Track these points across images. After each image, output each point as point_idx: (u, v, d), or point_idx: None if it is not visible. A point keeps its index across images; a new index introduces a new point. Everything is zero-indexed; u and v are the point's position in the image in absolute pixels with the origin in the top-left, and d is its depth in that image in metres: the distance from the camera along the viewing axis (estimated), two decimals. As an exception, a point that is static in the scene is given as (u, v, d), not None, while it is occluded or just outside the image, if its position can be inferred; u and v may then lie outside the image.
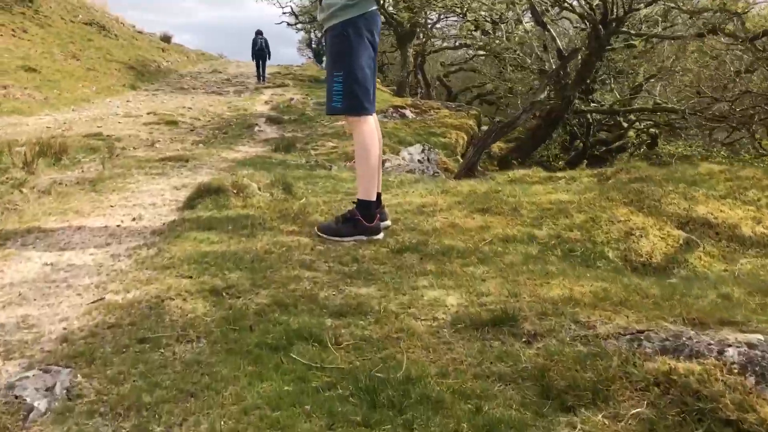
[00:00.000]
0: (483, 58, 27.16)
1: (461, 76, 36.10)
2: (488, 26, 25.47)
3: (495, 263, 2.82)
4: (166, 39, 28.99)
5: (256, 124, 8.98)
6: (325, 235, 3.21)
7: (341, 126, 9.02)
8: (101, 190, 4.52)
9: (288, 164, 6.03)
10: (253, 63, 19.56)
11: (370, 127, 3.24)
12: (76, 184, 4.71)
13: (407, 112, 11.03)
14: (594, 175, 5.48)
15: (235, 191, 3.86)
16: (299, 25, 38.55)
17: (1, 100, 8.87)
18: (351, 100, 3.16)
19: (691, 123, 12.41)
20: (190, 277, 2.55)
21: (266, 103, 13.23)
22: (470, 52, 29.84)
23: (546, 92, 10.43)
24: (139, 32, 27.01)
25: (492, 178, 5.99)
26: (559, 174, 5.92)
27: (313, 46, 41.78)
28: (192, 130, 8.56)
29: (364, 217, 3.21)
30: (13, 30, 15.69)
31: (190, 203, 3.88)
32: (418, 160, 7.58)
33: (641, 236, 3.46)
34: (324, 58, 37.25)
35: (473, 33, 28.60)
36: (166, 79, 18.20)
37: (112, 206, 4.04)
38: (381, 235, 3.26)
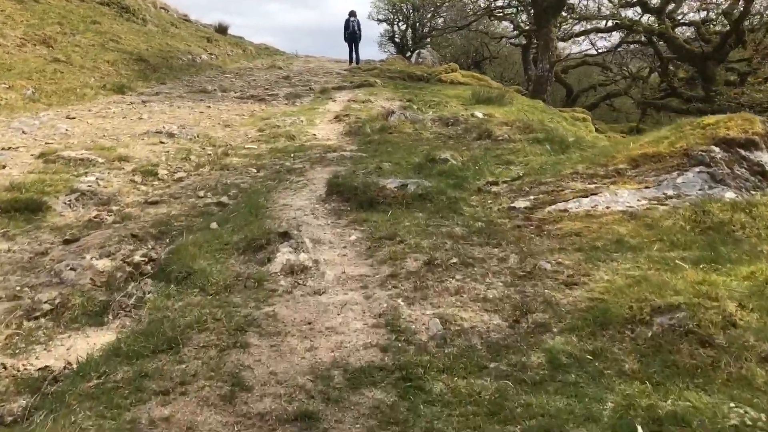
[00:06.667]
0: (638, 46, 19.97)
1: (578, 73, 29.18)
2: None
3: None
4: (222, 30, 23.56)
5: (295, 218, 2.57)
6: None
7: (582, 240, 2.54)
8: None
9: None
10: (346, 47, 18.00)
11: None
12: None
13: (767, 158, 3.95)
14: None
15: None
16: (380, 15, 32.71)
17: None
18: None
19: None
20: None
21: (337, 119, 6.86)
22: (610, 40, 22.60)
23: None
24: (186, 20, 21.59)
25: None
26: None
27: (396, 39, 35.72)
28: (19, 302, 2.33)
29: None
30: (-42, 3, 10.23)
31: None
32: None
33: None
34: (412, 52, 31.17)
35: (616, 12, 21.44)
36: (193, 78, 12.33)
37: None
38: None
